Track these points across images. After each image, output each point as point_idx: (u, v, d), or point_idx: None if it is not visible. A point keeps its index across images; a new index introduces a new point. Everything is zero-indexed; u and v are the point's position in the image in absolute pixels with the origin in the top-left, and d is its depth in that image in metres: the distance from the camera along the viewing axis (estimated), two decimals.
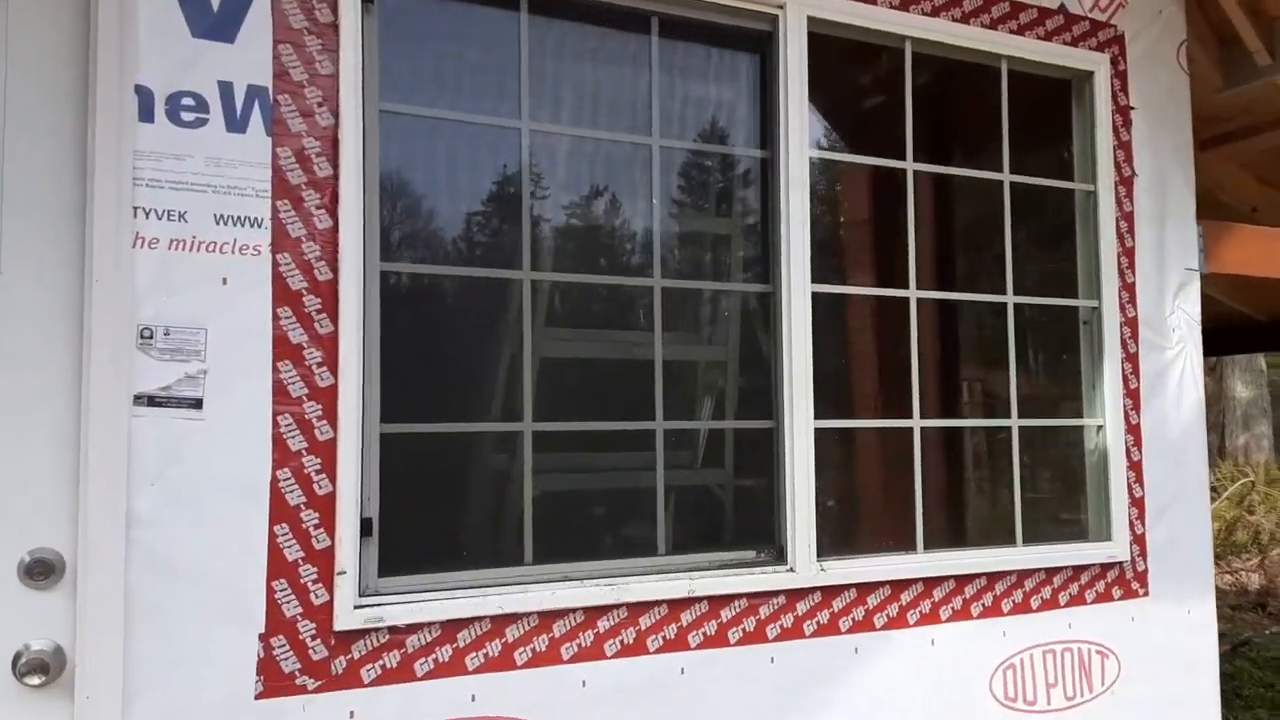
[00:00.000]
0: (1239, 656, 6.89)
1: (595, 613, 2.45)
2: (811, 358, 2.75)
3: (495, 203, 2.51)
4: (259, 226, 2.16)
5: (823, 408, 2.78)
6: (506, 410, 2.49)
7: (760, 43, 2.85)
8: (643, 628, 2.51)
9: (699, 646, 2.57)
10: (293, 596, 2.14)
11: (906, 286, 2.99)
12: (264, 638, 2.12)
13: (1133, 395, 3.34)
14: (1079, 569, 3.19)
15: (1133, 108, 3.42)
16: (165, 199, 2.08)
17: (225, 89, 2.15)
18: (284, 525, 2.15)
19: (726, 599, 2.62)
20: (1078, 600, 3.18)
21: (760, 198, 2.84)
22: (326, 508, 2.18)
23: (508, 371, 2.50)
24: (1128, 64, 3.43)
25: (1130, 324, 3.36)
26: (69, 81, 2.06)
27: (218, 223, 2.13)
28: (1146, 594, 3.32)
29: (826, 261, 3.00)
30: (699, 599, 2.57)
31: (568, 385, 2.59)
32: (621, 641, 2.48)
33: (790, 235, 2.74)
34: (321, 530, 2.18)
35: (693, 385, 2.78)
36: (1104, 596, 3.24)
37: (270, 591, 2.13)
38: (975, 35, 3.09)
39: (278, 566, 2.13)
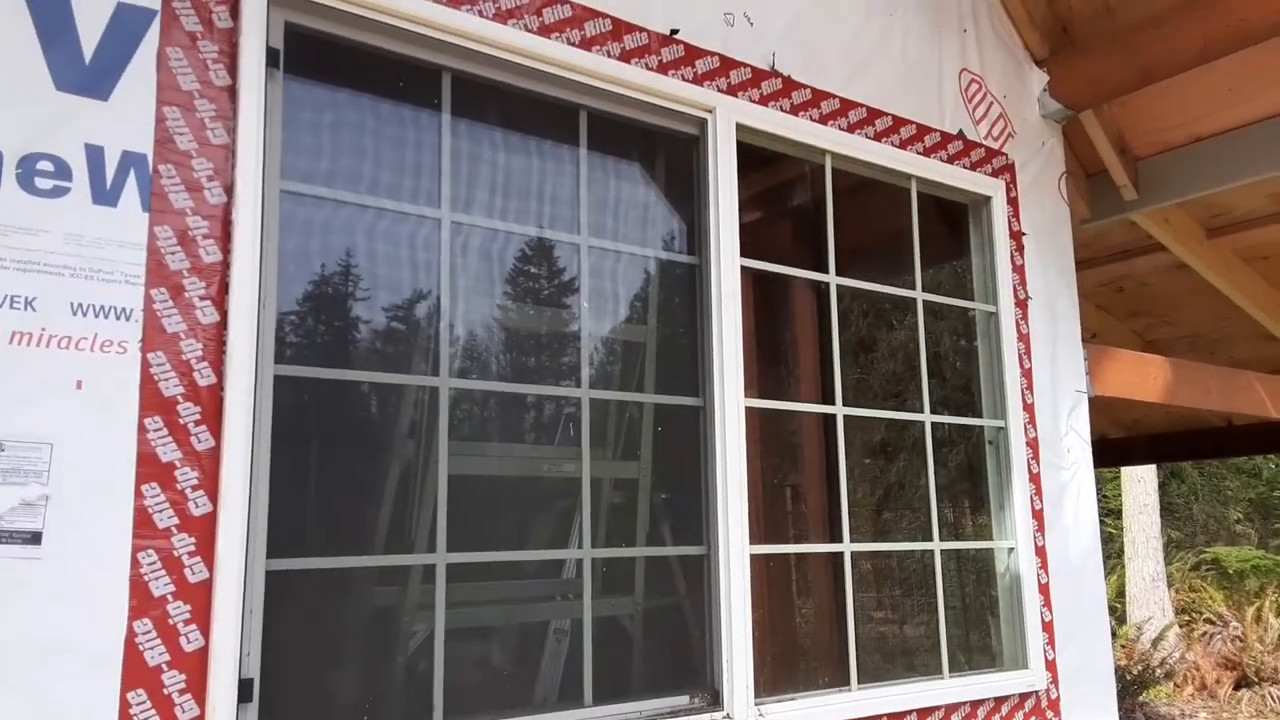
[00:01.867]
0: None
1: None
2: (746, 477, 2.53)
3: (410, 301, 2.20)
4: (127, 319, 1.77)
5: (753, 531, 2.56)
6: (412, 540, 2.13)
7: (688, 146, 2.71)
8: None
9: None
10: None
11: (832, 402, 2.85)
12: None
13: (1038, 516, 3.30)
14: (999, 700, 3.05)
15: (1024, 233, 3.50)
16: (10, 282, 1.68)
17: (94, 154, 1.78)
18: (140, 692, 1.70)
19: None
20: None
21: (691, 304, 2.65)
22: (196, 667, 1.75)
23: (417, 493, 2.15)
24: (1018, 191, 3.52)
25: (1031, 444, 3.34)
26: None
27: (75, 313, 1.73)
28: None
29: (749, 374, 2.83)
30: None
31: (484, 508, 2.26)
32: None
33: (723, 346, 2.56)
34: (188, 697, 1.74)
35: (618, 506, 2.50)
36: None
37: None
38: (888, 154, 3.08)
39: None
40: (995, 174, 3.44)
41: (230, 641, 1.77)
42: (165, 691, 1.72)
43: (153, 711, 1.70)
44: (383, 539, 2.09)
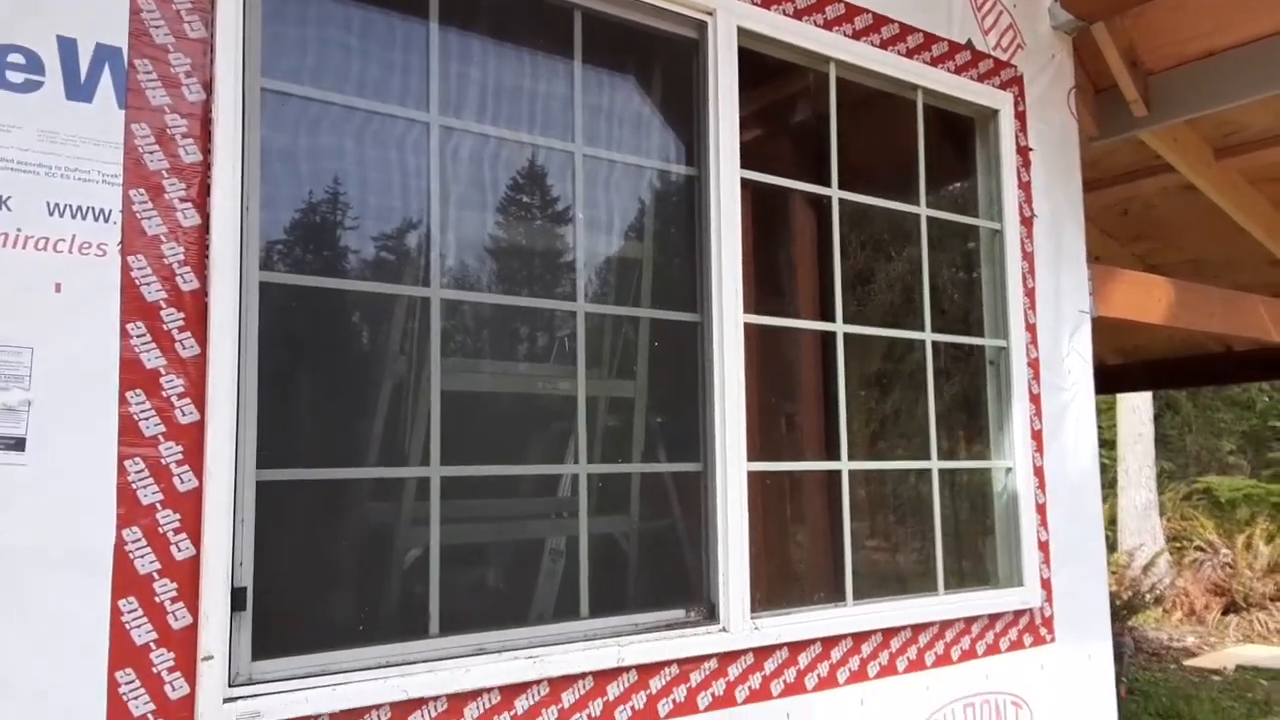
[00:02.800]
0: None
1: (513, 691, 2.08)
2: (744, 394, 2.50)
3: (399, 208, 2.14)
4: (105, 220, 1.71)
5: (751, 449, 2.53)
6: (409, 453, 2.10)
7: (688, 51, 2.61)
8: (565, 705, 2.16)
9: None
10: (142, 691, 1.67)
11: (833, 319, 2.80)
12: None
13: (1036, 437, 3.28)
14: (994, 617, 3.07)
15: (1031, 149, 3.41)
16: None
17: (66, 46, 1.70)
18: (131, 599, 1.68)
19: (656, 667, 2.30)
20: (993, 649, 3.06)
21: (689, 218, 2.58)
22: (187, 576, 1.73)
23: (410, 407, 2.11)
24: (1026, 105, 3.42)
25: (1033, 365, 3.31)
26: None
27: (51, 213, 1.67)
28: (1053, 640, 3.24)
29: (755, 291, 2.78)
30: (627, 668, 2.24)
31: (477, 422, 2.23)
32: None
33: (721, 260, 2.50)
34: (181, 604, 1.72)
35: (614, 423, 2.47)
36: (1016, 644, 3.12)
37: (113, 685, 1.65)
38: (895, 63, 2.98)
39: (123, 651, 1.66)
40: (1003, 86, 3.34)
41: (222, 550, 1.75)
42: (157, 599, 1.70)
43: (145, 619, 1.68)
44: (376, 452, 2.06)
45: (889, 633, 2.78)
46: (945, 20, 3.20)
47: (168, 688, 1.69)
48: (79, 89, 1.71)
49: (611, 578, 2.39)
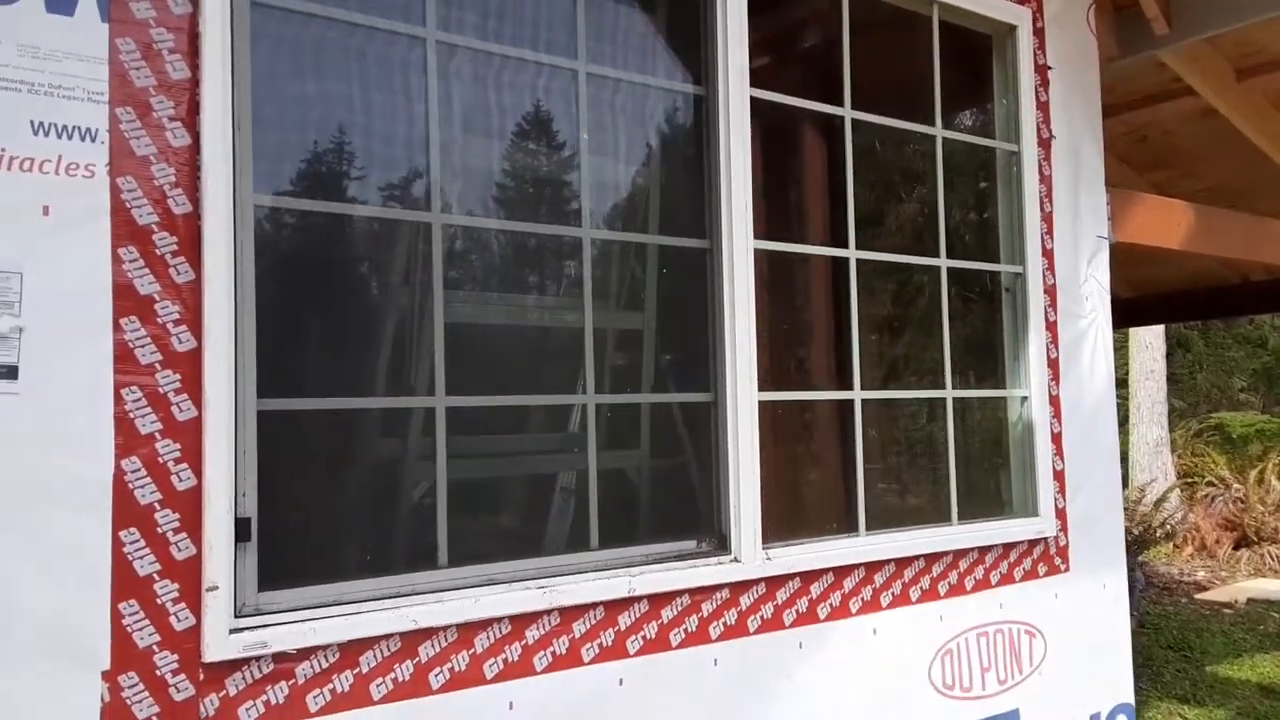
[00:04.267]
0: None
1: (523, 621, 2.06)
2: (754, 324, 2.44)
3: (398, 131, 2.06)
4: (92, 140, 1.65)
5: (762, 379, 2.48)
6: (413, 384, 2.06)
7: None
8: (576, 635, 2.14)
9: (639, 653, 2.22)
10: (146, 621, 1.65)
11: (845, 245, 2.73)
12: (109, 676, 1.62)
13: (1053, 365, 3.22)
14: (1008, 546, 3.04)
15: (1050, 67, 3.30)
16: None
17: None
18: (132, 531, 1.65)
19: (668, 597, 2.28)
20: (1007, 579, 3.03)
21: (697, 141, 2.50)
22: (190, 506, 1.69)
23: (414, 337, 2.06)
24: (1045, 21, 3.30)
25: (1049, 291, 3.24)
26: None
27: (36, 132, 1.60)
28: (1068, 569, 3.21)
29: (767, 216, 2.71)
30: (639, 598, 2.22)
31: (481, 354, 2.18)
32: (553, 653, 2.10)
33: (731, 184, 2.42)
34: (184, 535, 1.69)
35: (622, 354, 2.42)
36: (1030, 574, 3.10)
37: (116, 616, 1.62)
38: None
39: (126, 583, 1.63)
40: (1021, 0, 3.22)
41: (224, 480, 1.71)
42: (159, 530, 1.67)
43: (147, 550, 1.66)
44: (380, 382, 2.02)
45: (902, 563, 2.76)
46: None
47: (172, 619, 1.67)
48: (59, 0, 1.63)
49: (622, 509, 2.36)
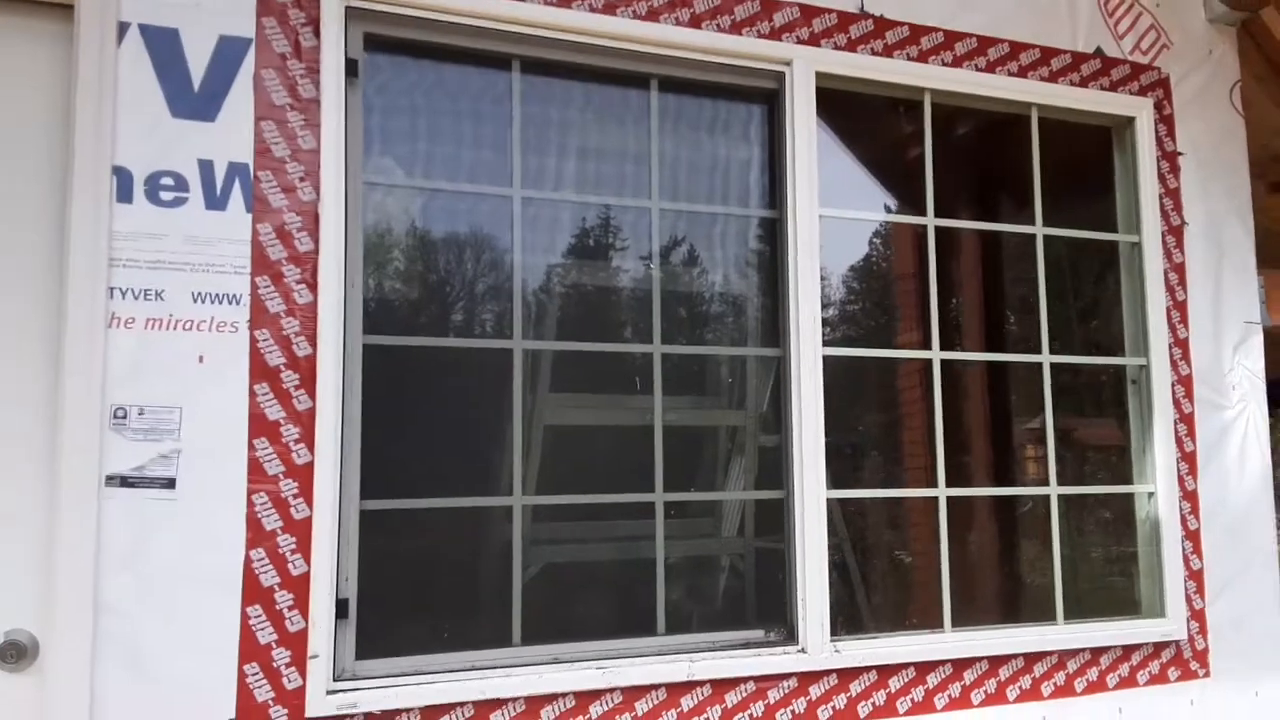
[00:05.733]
0: None
1: (587, 697, 2.34)
2: (824, 424, 2.61)
3: (485, 271, 2.46)
4: (237, 303, 2.15)
5: (839, 475, 2.64)
6: (495, 483, 2.42)
7: (768, 98, 2.76)
8: (639, 713, 2.39)
9: None
10: (264, 681, 2.09)
11: (929, 348, 2.83)
12: None
13: (1188, 459, 3.10)
14: (1129, 648, 2.95)
15: (1180, 153, 3.22)
16: (142, 278, 2.09)
17: (205, 167, 2.15)
18: (257, 607, 2.10)
19: (731, 682, 2.48)
20: (1128, 682, 2.94)
21: (770, 259, 2.73)
22: (301, 589, 2.13)
23: (496, 443, 2.43)
24: (1174, 108, 3.23)
25: (1184, 382, 3.13)
26: (49, 165, 2.09)
27: (195, 300, 2.12)
28: (1207, 674, 3.05)
29: (845, 322, 2.88)
30: (700, 682, 2.44)
31: (561, 455, 2.51)
32: None
33: (800, 297, 2.63)
34: (296, 612, 2.13)
35: (697, 454, 2.67)
36: (1158, 678, 2.98)
37: (241, 675, 2.08)
38: (1001, 84, 2.95)
39: (250, 649, 2.09)
40: (1142, 92, 3.18)
41: (328, 567, 2.14)
42: (277, 607, 2.11)
43: (267, 623, 2.10)
44: (465, 483, 2.39)
45: (996, 660, 2.77)
46: (1069, 31, 3.11)
47: (284, 679, 2.10)
48: (215, 200, 2.15)
49: (692, 598, 2.59)
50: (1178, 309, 3.15)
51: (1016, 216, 3.05)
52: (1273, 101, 3.79)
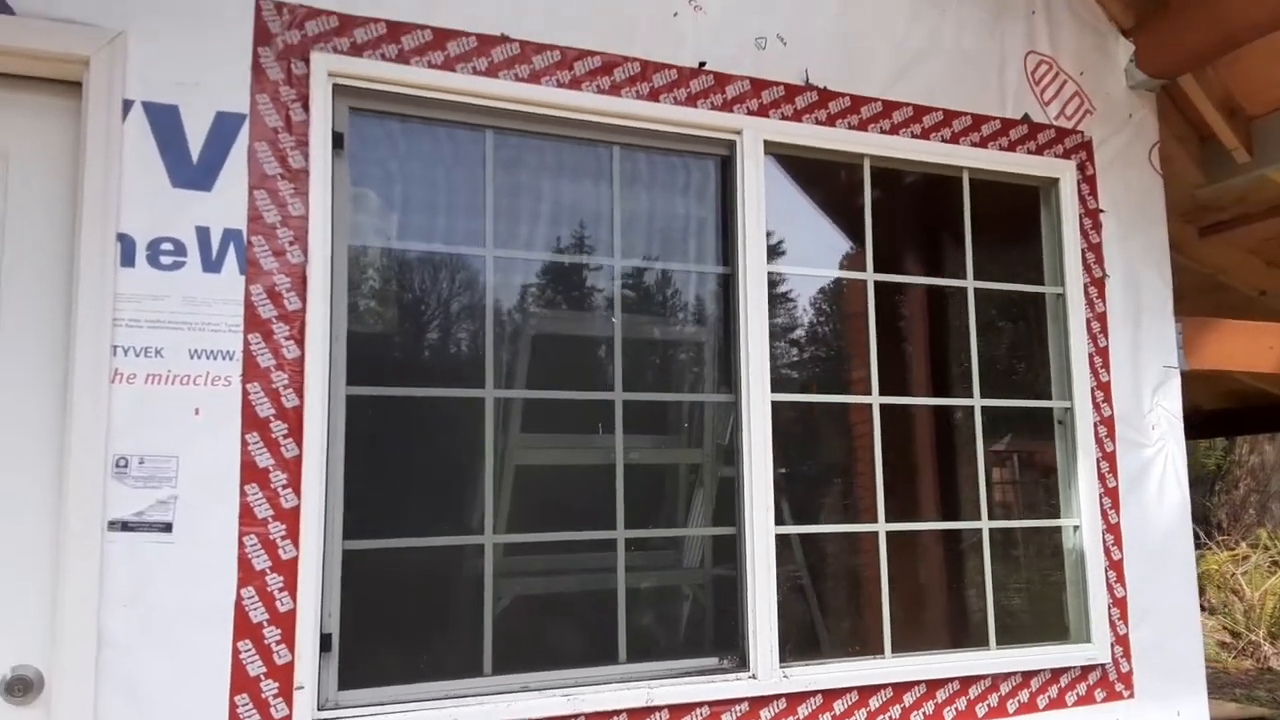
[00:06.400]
0: None
1: None
2: (772, 465, 2.83)
3: (459, 324, 2.66)
4: (230, 359, 2.33)
5: (790, 512, 2.86)
6: (469, 522, 2.60)
7: (724, 163, 2.99)
8: None
9: None
10: (254, 711, 2.25)
11: (870, 393, 3.07)
12: None
13: (1111, 494, 3.36)
14: (1057, 671, 3.18)
15: (1102, 210, 3.50)
16: (143, 337, 2.26)
17: (203, 233, 2.33)
18: (247, 641, 2.27)
19: (687, 707, 2.67)
20: (1057, 704, 3.17)
21: (723, 311, 2.95)
22: (288, 624, 2.30)
23: (470, 484, 2.62)
24: (1096, 168, 3.51)
25: (1106, 423, 3.39)
26: (57, 231, 2.26)
27: (192, 357, 2.30)
28: (1132, 695, 3.29)
29: (796, 369, 3.11)
30: (658, 708, 2.63)
31: (531, 494, 2.70)
32: None
33: (750, 347, 2.85)
34: (283, 646, 2.29)
35: (659, 491, 2.87)
36: (1085, 699, 3.22)
37: (232, 705, 2.24)
38: (935, 150, 3.21)
39: (240, 681, 2.25)
40: (1067, 154, 3.46)
41: (313, 604, 2.31)
42: (265, 642, 2.28)
43: (256, 657, 2.27)
44: (441, 523, 2.57)
45: (934, 684, 2.99)
46: (998, 99, 3.38)
47: (272, 709, 2.26)
48: (211, 263, 2.33)
49: (652, 629, 2.78)
50: (1100, 355, 3.42)
51: (955, 269, 3.30)
52: (1191, 159, 4.10)
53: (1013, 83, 3.42)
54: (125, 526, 2.20)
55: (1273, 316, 5.29)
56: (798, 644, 2.88)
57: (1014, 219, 3.49)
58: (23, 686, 2.14)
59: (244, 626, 2.27)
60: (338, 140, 2.49)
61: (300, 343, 2.39)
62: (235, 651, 2.25)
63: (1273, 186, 4.57)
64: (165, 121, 2.33)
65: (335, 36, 2.50)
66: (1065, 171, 3.41)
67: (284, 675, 2.28)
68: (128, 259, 2.27)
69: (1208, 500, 15.90)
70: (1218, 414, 7.21)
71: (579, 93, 2.75)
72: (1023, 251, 3.52)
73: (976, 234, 3.31)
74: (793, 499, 2.96)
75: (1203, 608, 12.17)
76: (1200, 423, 7.28)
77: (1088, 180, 3.49)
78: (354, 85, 2.51)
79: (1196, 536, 13.73)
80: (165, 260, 2.30)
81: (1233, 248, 5.25)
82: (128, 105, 2.30)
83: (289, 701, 2.28)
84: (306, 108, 2.46)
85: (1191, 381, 3.91)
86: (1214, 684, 9.30)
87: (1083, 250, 3.43)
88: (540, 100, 2.70)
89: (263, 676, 2.27)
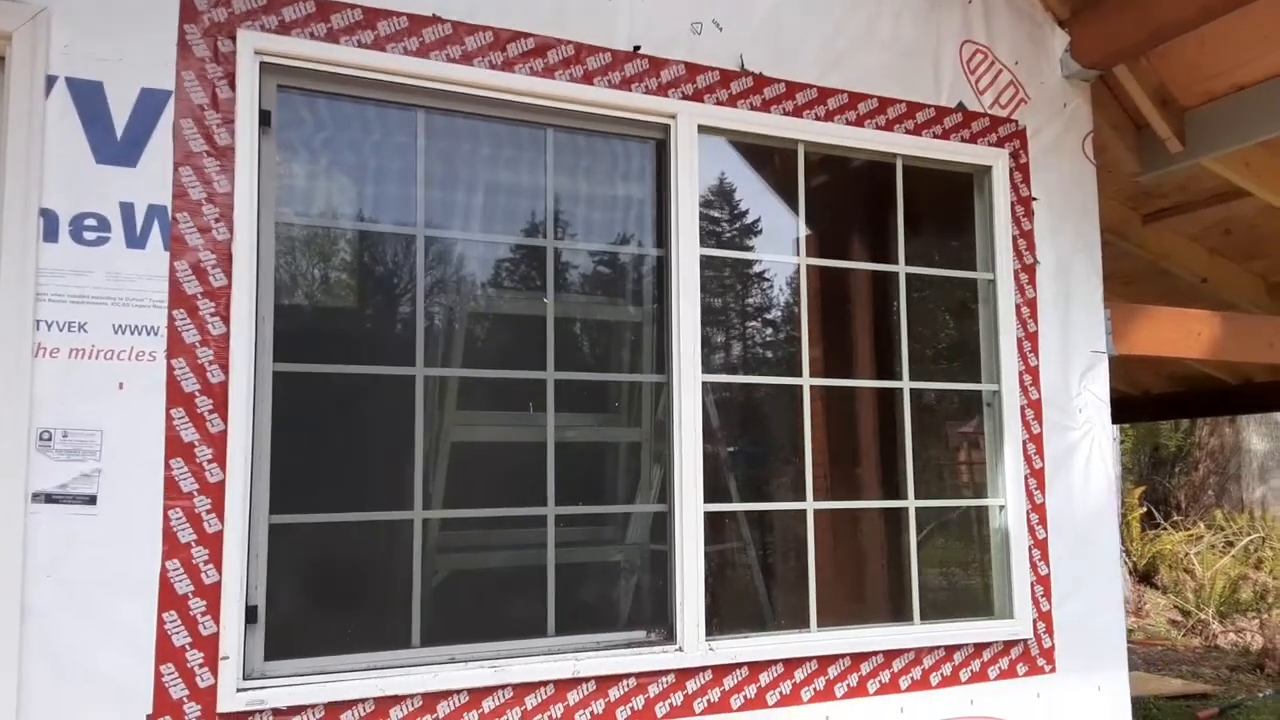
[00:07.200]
0: None
1: (480, 693, 2.58)
2: (702, 445, 2.89)
3: (390, 302, 2.70)
4: (155, 334, 2.35)
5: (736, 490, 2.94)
6: (401, 498, 2.64)
7: (658, 147, 3.03)
8: (528, 708, 2.63)
9: None
10: (179, 679, 2.29)
11: (801, 374, 3.13)
12: (151, 719, 2.26)
13: (1037, 475, 3.45)
14: (980, 646, 3.27)
15: (1035, 198, 3.57)
16: (66, 312, 2.28)
17: (126, 209, 2.35)
18: (172, 613, 2.30)
19: (614, 678, 2.73)
20: (979, 677, 3.26)
21: (656, 292, 3.00)
22: (213, 596, 2.33)
23: (402, 461, 2.65)
24: (1030, 156, 3.58)
25: (1034, 406, 3.47)
26: None
27: (116, 332, 2.31)
28: (1054, 670, 3.39)
29: (730, 350, 3.17)
30: (585, 679, 2.69)
31: (462, 470, 2.74)
32: None
33: (682, 328, 2.90)
34: (209, 617, 2.33)
35: (596, 470, 2.92)
36: (1008, 673, 3.31)
37: (158, 674, 2.27)
38: (869, 137, 3.26)
39: (165, 651, 2.29)
40: (1000, 142, 3.52)
41: (238, 576, 2.35)
42: (191, 613, 2.32)
43: (182, 627, 2.31)
44: (367, 498, 2.62)
45: (858, 657, 3.07)
46: (933, 88, 3.44)
47: (197, 679, 2.30)
48: (135, 239, 2.35)
49: (581, 603, 2.84)
50: (1029, 339, 3.50)
51: (889, 254, 3.36)
52: (1128, 148, 4.18)
53: (948, 71, 3.47)
54: (49, 499, 2.22)
55: (1216, 303, 5.44)
56: (726, 618, 2.95)
57: (948, 206, 3.56)
58: None
59: (169, 598, 2.30)
60: (265, 118, 2.51)
61: (226, 319, 2.42)
62: (160, 622, 2.29)
63: (1212, 176, 4.68)
64: (89, 97, 2.34)
65: (263, 14, 2.51)
66: (998, 159, 3.48)
67: (209, 646, 2.32)
68: (51, 234, 2.28)
69: (1168, 481, 16.20)
70: (1166, 397, 7.36)
71: (512, 75, 2.77)
72: (956, 238, 3.59)
73: (911, 220, 3.38)
74: (736, 476, 3.03)
75: (1155, 587, 12.43)
76: (1149, 406, 7.46)
77: (1021, 168, 3.56)
78: (282, 64, 2.52)
79: (1152, 517, 14.01)
80: (89, 236, 2.32)
81: (1175, 234, 5.36)
82: (51, 81, 2.31)
83: (214, 671, 2.31)
84: (233, 85, 2.47)
85: (1138, 366, 4.00)
86: (1162, 661, 9.53)
87: (1014, 237, 3.50)
88: (472, 81, 2.72)
89: (188, 647, 2.30)
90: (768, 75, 3.15)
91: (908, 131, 3.35)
